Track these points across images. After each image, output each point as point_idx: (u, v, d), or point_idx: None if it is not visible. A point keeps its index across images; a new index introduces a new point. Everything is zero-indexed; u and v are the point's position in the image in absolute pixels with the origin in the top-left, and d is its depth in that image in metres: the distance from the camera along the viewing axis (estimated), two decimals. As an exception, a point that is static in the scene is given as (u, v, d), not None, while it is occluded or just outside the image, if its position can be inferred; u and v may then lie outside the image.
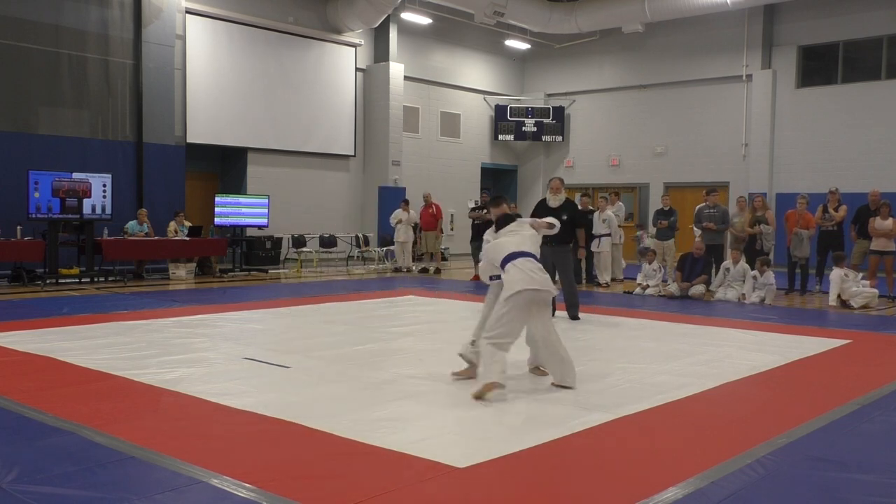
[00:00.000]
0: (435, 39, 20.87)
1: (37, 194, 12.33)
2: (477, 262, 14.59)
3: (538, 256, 5.86)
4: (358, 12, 17.91)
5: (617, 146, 21.67)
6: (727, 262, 12.18)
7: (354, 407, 5.07)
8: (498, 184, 23.32)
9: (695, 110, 20.19)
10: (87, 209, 12.88)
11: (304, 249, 16.30)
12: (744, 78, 19.24)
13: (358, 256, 17.72)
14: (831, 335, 8.45)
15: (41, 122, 13.70)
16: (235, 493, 3.53)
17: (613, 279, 14.48)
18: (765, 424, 4.84)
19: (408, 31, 19.94)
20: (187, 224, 14.62)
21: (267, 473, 3.78)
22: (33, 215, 12.39)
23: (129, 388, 5.57)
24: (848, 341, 8.09)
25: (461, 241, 20.05)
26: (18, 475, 3.69)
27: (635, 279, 13.20)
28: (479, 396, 5.31)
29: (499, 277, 5.79)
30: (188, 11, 15.93)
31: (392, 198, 18.53)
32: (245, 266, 15.55)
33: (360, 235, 17.88)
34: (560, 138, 22.49)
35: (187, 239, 14.19)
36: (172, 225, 14.29)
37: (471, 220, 15.48)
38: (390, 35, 19.35)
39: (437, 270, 16.50)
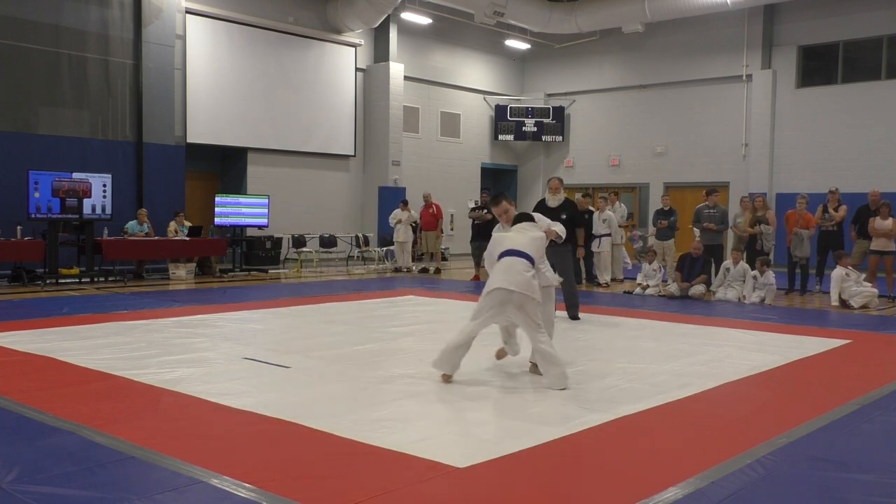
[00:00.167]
0: (435, 39, 20.87)
1: (37, 194, 12.33)
2: (477, 262, 14.61)
3: (535, 259, 5.84)
4: (358, 12, 17.92)
5: (617, 146, 21.67)
6: (727, 262, 12.18)
7: (354, 407, 5.07)
8: (498, 184, 23.31)
9: (695, 110, 20.19)
10: (87, 209, 12.88)
11: (304, 249, 16.30)
12: (744, 78, 19.25)
13: (358, 256, 17.73)
14: (831, 335, 8.45)
15: (41, 122, 13.70)
16: (235, 493, 3.53)
17: (613, 279, 14.49)
18: (765, 424, 4.84)
19: (408, 31, 19.94)
20: (187, 224, 14.62)
21: (267, 473, 3.78)
22: (33, 215, 12.40)
23: (129, 388, 5.57)
24: (848, 341, 8.09)
25: (461, 241, 20.06)
26: (18, 475, 3.69)
27: (635, 279, 13.21)
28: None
29: None
30: (188, 11, 15.93)
31: (392, 198, 18.53)
32: (245, 266, 15.55)
33: (360, 235, 17.89)
34: (560, 138, 22.49)
35: (187, 239, 14.20)
36: (172, 225, 14.29)
37: (471, 220, 15.48)
38: (390, 35, 19.35)
39: (437, 270, 16.50)
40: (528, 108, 22.49)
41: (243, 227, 16.00)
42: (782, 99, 18.84)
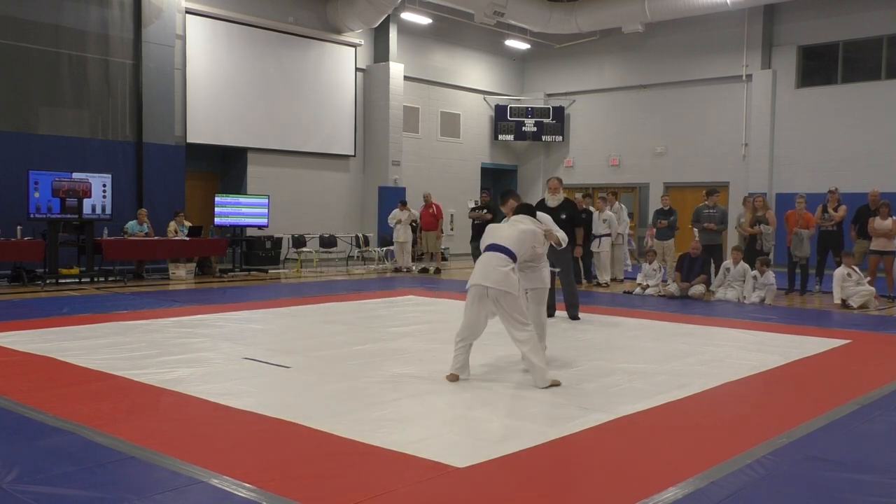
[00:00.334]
0: (435, 39, 20.87)
1: (37, 194, 12.33)
2: (477, 262, 14.59)
3: (517, 254, 5.79)
4: (358, 12, 17.91)
5: (617, 146, 21.66)
6: (727, 262, 12.18)
7: (354, 407, 5.07)
8: (498, 184, 23.31)
9: (695, 110, 20.19)
10: (87, 209, 12.87)
11: (304, 249, 16.30)
12: (744, 78, 19.24)
13: (358, 256, 17.73)
14: (831, 335, 8.45)
15: (41, 122, 13.70)
16: (235, 493, 3.53)
17: (613, 279, 14.49)
18: (765, 424, 4.84)
19: (408, 31, 19.94)
20: (187, 224, 14.62)
21: (267, 473, 3.78)
22: (33, 215, 12.39)
23: (129, 388, 5.57)
24: (848, 341, 8.09)
25: (461, 241, 20.05)
26: (18, 475, 3.69)
27: (635, 279, 13.21)
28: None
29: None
30: (188, 11, 15.93)
31: (392, 198, 18.53)
32: (245, 266, 15.55)
33: (359, 235, 17.89)
34: (560, 138, 22.49)
35: (187, 239, 14.19)
36: (172, 225, 14.29)
37: (471, 220, 15.47)
38: (390, 35, 19.35)
39: (437, 270, 16.50)
40: (527, 108, 22.49)
41: (243, 227, 16.00)
42: (782, 99, 18.84)
